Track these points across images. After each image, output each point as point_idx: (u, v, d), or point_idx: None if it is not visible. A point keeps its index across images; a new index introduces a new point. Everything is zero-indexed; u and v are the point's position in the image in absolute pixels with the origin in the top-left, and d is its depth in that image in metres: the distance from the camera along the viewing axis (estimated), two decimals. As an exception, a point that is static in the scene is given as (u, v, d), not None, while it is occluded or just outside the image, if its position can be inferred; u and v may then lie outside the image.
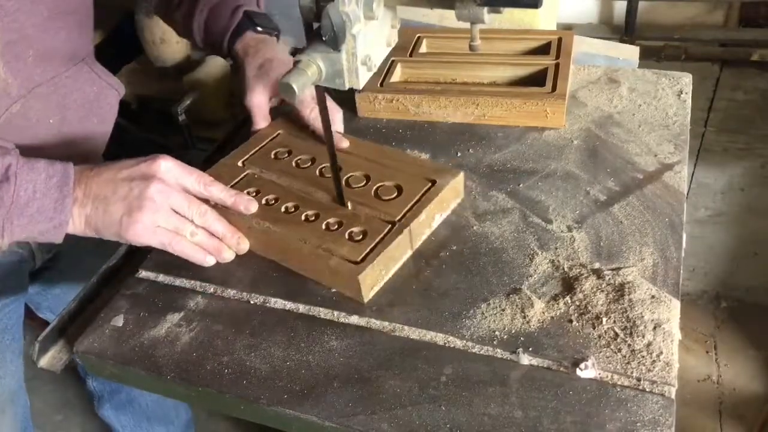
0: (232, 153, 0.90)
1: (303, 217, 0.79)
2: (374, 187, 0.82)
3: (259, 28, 0.96)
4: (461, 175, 0.83)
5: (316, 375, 0.67)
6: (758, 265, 1.89)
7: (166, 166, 0.74)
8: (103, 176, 0.72)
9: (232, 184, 0.84)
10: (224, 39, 0.95)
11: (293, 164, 0.87)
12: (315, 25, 0.61)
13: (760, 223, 1.80)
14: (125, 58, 1.98)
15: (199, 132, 1.82)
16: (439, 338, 0.69)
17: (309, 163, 0.87)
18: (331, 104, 0.90)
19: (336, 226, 0.77)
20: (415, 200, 0.79)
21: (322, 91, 0.72)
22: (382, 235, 0.75)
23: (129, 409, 1.35)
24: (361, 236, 0.75)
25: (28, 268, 1.03)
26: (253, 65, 0.93)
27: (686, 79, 1.02)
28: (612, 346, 0.66)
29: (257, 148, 0.91)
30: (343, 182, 0.81)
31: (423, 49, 1.09)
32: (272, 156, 0.89)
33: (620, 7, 1.60)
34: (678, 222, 0.78)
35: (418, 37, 1.10)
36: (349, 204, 0.79)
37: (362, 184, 0.83)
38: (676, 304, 0.69)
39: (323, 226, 0.77)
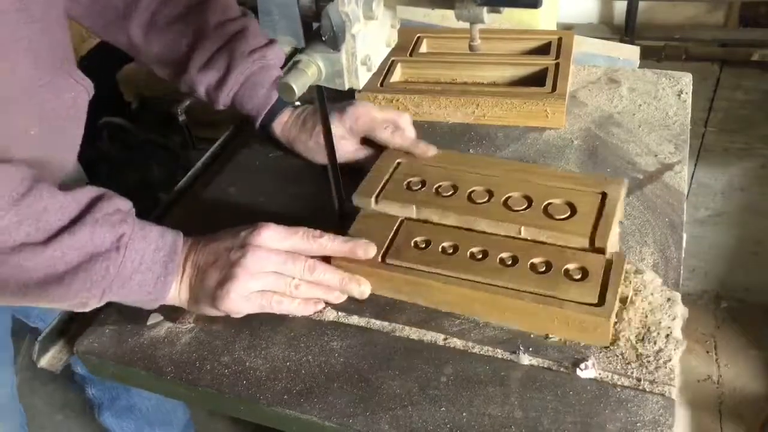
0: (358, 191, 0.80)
1: (498, 261, 0.70)
2: (542, 207, 0.74)
3: (297, 103, 0.92)
4: (626, 182, 0.76)
5: (316, 375, 0.67)
6: (758, 265, 1.88)
7: (267, 234, 0.70)
8: (209, 247, 0.70)
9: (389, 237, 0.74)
10: (259, 114, 0.92)
11: (433, 193, 0.77)
12: (314, 25, 0.61)
13: (760, 223, 1.80)
14: (125, 58, 1.98)
15: (199, 132, 1.82)
16: (440, 338, 0.69)
17: (451, 191, 0.77)
18: (393, 112, 0.89)
19: (544, 267, 0.69)
20: (595, 216, 0.71)
21: (321, 91, 0.72)
22: (602, 270, 0.67)
23: (130, 415, 1.34)
24: (580, 275, 0.67)
25: None
26: (308, 128, 0.90)
27: (686, 79, 1.02)
28: (612, 346, 0.66)
29: (384, 182, 0.80)
30: (501, 202, 0.75)
31: (423, 49, 1.09)
32: (405, 186, 0.79)
33: (620, 7, 1.60)
34: (678, 222, 0.78)
35: (418, 37, 1.10)
36: (522, 230, 0.72)
37: (524, 206, 0.74)
38: (676, 304, 0.69)
39: (528, 267, 0.68)
